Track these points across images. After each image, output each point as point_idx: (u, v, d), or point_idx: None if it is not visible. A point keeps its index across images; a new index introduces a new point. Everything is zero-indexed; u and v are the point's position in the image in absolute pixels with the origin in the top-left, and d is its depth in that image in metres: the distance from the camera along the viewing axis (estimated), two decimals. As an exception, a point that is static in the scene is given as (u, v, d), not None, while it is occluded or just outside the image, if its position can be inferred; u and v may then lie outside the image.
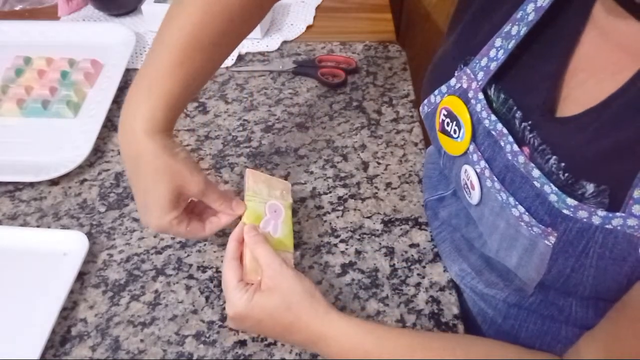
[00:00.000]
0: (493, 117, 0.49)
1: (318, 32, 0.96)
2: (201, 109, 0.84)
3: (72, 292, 0.62)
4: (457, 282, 0.63)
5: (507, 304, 0.58)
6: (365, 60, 0.90)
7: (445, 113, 0.53)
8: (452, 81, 0.53)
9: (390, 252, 0.66)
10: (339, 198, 0.71)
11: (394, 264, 0.65)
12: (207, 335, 0.59)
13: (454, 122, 0.52)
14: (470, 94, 0.51)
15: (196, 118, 0.82)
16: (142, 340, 0.59)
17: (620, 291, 0.44)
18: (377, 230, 0.68)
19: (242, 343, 0.58)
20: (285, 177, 0.74)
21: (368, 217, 0.69)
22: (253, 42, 0.93)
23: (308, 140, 0.78)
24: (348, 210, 0.70)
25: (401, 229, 0.68)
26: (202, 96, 0.85)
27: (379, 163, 0.75)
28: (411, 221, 0.69)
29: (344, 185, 0.73)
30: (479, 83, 0.50)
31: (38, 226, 0.69)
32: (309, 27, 0.97)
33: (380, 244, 0.67)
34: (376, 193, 0.72)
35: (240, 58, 0.91)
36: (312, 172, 0.74)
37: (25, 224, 0.70)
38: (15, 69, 0.85)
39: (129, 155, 0.55)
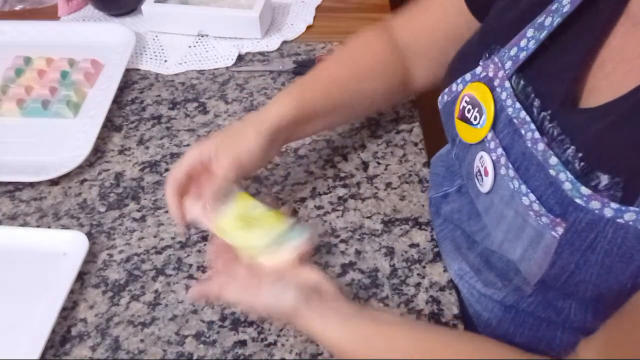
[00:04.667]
0: (517, 105, 0.48)
1: (318, 32, 0.96)
2: (201, 109, 0.84)
3: (72, 292, 0.62)
4: (456, 281, 0.63)
5: (503, 307, 0.58)
6: (365, 60, 0.90)
7: (468, 100, 0.53)
8: (478, 69, 0.53)
9: (390, 252, 0.66)
10: (339, 198, 0.71)
11: (394, 264, 0.65)
12: (207, 335, 0.59)
13: (476, 109, 0.52)
14: (496, 82, 0.51)
15: (196, 118, 0.82)
16: (142, 340, 0.59)
17: (622, 295, 0.43)
18: (377, 230, 0.68)
19: (242, 343, 0.58)
20: (286, 177, 0.74)
21: (368, 217, 0.69)
22: (253, 42, 0.93)
23: (308, 140, 0.78)
24: (348, 210, 0.70)
25: (401, 229, 0.68)
26: (202, 96, 0.85)
27: (379, 163, 0.75)
28: (411, 221, 0.69)
29: (344, 185, 0.73)
30: (506, 72, 0.50)
31: (38, 226, 0.69)
32: (309, 27, 0.97)
33: (380, 244, 0.67)
34: (376, 193, 0.72)
35: (240, 58, 0.91)
36: (312, 172, 0.74)
37: (25, 224, 0.70)
38: (15, 69, 0.85)
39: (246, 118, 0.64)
